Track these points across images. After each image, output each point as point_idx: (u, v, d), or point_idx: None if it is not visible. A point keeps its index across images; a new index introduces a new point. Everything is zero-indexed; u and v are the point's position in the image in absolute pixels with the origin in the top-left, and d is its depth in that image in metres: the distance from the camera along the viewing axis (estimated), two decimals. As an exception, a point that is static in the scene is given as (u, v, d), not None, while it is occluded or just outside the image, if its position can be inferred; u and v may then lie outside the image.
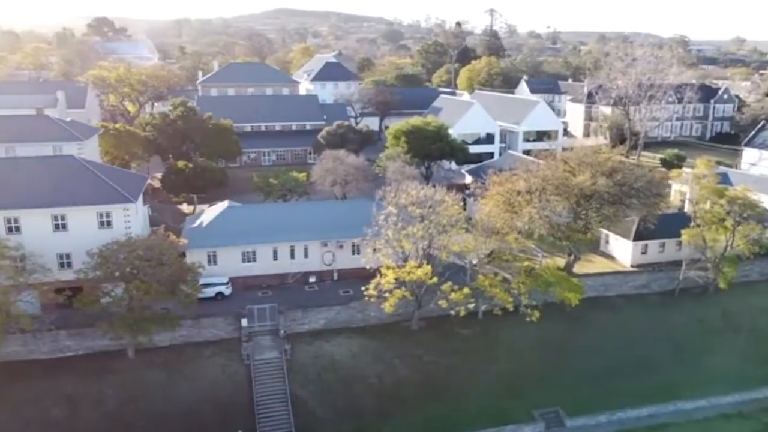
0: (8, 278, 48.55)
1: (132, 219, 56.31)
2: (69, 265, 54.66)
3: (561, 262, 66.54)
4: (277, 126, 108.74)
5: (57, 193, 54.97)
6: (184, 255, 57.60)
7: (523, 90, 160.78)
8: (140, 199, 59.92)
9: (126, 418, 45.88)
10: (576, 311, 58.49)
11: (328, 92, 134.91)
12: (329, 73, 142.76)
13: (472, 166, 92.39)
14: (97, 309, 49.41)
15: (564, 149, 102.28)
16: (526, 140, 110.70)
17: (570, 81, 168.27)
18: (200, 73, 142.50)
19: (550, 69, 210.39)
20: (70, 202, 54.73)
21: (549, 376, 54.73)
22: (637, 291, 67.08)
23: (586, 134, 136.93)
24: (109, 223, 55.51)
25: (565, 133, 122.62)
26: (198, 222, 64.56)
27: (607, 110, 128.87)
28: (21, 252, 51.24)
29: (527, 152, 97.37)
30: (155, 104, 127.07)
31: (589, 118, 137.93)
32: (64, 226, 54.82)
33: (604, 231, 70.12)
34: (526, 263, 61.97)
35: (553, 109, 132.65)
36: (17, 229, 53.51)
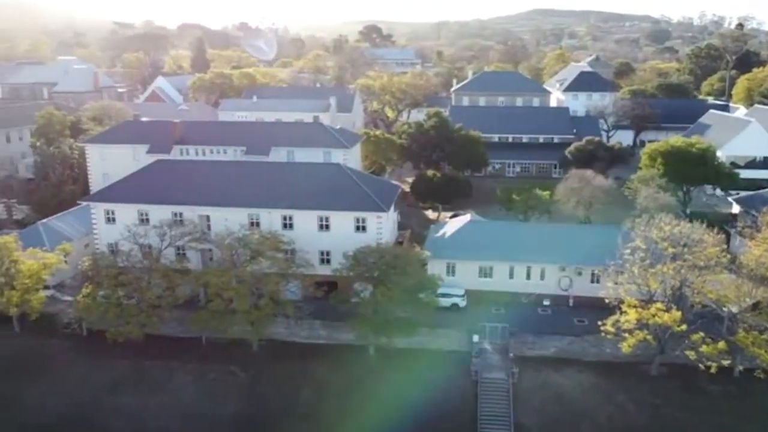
0: (280, 269, 56.54)
1: (383, 225, 61.44)
2: (328, 262, 61.77)
3: None
4: (524, 138, 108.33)
5: (324, 197, 62.35)
6: (425, 263, 61.15)
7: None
8: (392, 207, 65.03)
9: (361, 412, 50.13)
10: None
11: (580, 103, 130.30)
12: (583, 83, 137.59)
13: (743, 193, 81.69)
14: (347, 306, 54.99)
15: None
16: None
17: None
18: (454, 81, 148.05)
19: None
20: (334, 207, 61.68)
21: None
22: None
23: None
24: (363, 228, 61.33)
25: None
26: (441, 232, 67.71)
27: None
28: (292, 247, 59.33)
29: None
30: (411, 111, 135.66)
31: None
32: (327, 227, 61.99)
33: None
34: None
35: None
36: (291, 226, 61.96)
